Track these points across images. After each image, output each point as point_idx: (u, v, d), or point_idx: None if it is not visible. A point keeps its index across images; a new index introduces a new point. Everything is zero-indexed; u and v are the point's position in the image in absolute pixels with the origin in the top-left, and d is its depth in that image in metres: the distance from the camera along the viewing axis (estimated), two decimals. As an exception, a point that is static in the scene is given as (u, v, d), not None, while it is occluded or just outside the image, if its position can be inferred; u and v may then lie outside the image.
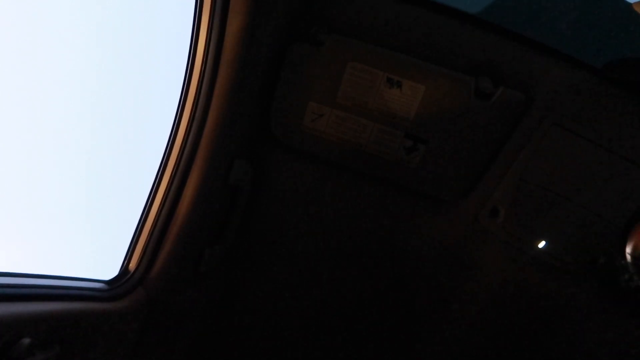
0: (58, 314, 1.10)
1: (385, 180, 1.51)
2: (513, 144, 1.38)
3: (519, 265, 1.55)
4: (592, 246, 1.44)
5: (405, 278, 1.69)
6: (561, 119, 1.33)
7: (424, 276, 1.67)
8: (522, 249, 1.50)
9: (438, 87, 1.32)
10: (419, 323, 1.77)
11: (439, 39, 1.31)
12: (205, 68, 1.26)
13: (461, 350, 1.78)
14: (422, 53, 1.32)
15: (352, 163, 1.48)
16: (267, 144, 1.50)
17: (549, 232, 1.46)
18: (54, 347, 1.08)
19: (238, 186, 1.46)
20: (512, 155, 1.40)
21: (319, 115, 1.41)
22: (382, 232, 1.62)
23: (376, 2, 1.30)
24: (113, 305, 1.28)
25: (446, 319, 1.74)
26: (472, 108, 1.33)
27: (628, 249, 1.27)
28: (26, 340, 0.98)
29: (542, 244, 1.47)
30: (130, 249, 1.40)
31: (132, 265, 1.40)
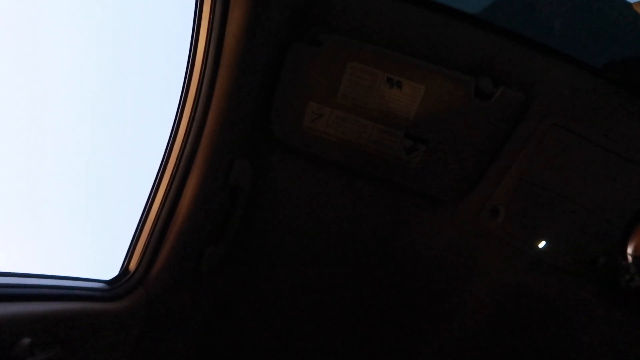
0: (58, 314, 1.10)
1: (385, 180, 1.51)
2: (513, 144, 1.38)
3: (519, 265, 1.55)
4: (592, 246, 1.44)
5: (405, 278, 1.69)
6: (561, 119, 1.33)
7: (424, 276, 1.67)
8: (522, 248, 1.50)
9: (438, 87, 1.32)
10: (419, 323, 1.77)
11: (439, 39, 1.31)
12: (205, 68, 1.26)
13: (461, 349, 1.78)
14: (422, 53, 1.32)
15: (352, 163, 1.48)
16: (267, 144, 1.50)
17: (549, 232, 1.46)
18: (54, 347, 1.08)
19: (238, 186, 1.46)
20: (512, 155, 1.40)
21: (319, 115, 1.41)
22: (382, 232, 1.62)
23: (376, 2, 1.30)
24: (113, 305, 1.28)
25: (446, 318, 1.74)
26: (472, 108, 1.33)
27: (629, 250, 1.27)
28: (26, 340, 0.98)
29: (542, 244, 1.47)
30: (130, 249, 1.40)
31: (132, 265, 1.40)
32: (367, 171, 1.49)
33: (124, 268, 1.40)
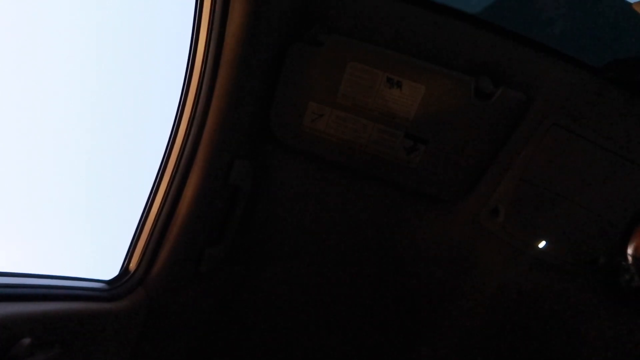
0: (58, 314, 1.10)
1: (385, 180, 1.51)
2: (513, 144, 1.38)
3: (519, 265, 1.55)
4: (592, 246, 1.44)
5: (405, 277, 1.69)
6: (561, 119, 1.33)
7: (424, 276, 1.67)
8: (523, 248, 1.50)
9: (438, 87, 1.32)
10: (419, 322, 1.77)
11: (439, 39, 1.31)
12: (205, 68, 1.26)
13: (461, 349, 1.78)
14: (422, 53, 1.32)
15: (352, 163, 1.48)
16: (267, 144, 1.50)
17: (549, 232, 1.46)
18: (54, 347, 1.08)
19: (238, 186, 1.46)
20: (512, 155, 1.40)
21: (319, 115, 1.41)
22: (382, 232, 1.62)
23: (376, 2, 1.30)
24: (113, 305, 1.28)
25: (446, 318, 1.74)
26: (472, 108, 1.33)
27: (629, 250, 1.27)
28: (26, 340, 0.98)
29: (542, 244, 1.47)
30: (130, 249, 1.40)
31: (132, 265, 1.40)
32: (367, 171, 1.49)
33: (124, 268, 1.40)
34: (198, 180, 1.35)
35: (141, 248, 1.39)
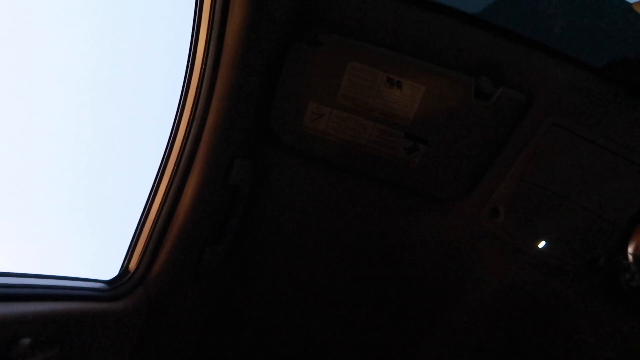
0: (58, 314, 1.10)
1: (385, 180, 1.51)
2: (513, 144, 1.38)
3: (519, 265, 1.55)
4: (592, 246, 1.44)
5: (405, 278, 1.69)
6: (561, 119, 1.33)
7: (424, 276, 1.67)
8: (522, 249, 1.50)
9: (438, 87, 1.32)
10: (419, 322, 1.77)
11: (439, 39, 1.31)
12: (205, 68, 1.26)
13: (461, 349, 1.78)
14: (422, 53, 1.32)
15: (352, 163, 1.48)
16: (267, 144, 1.50)
17: (549, 232, 1.46)
18: (54, 347, 1.08)
19: (238, 186, 1.46)
20: (512, 155, 1.40)
21: (319, 115, 1.41)
22: (382, 232, 1.62)
23: (376, 2, 1.30)
24: (113, 305, 1.28)
25: (446, 318, 1.74)
26: (472, 108, 1.33)
27: (630, 249, 1.27)
28: (26, 340, 0.98)
29: (542, 244, 1.47)
30: (130, 249, 1.40)
31: (132, 265, 1.40)
32: (367, 171, 1.49)
33: (124, 268, 1.40)
34: (198, 180, 1.35)
35: (141, 248, 1.39)
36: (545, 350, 1.68)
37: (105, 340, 1.27)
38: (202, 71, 1.26)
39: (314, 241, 1.66)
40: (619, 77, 1.30)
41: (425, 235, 1.60)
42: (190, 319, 1.63)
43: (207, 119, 1.30)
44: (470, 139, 1.38)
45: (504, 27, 1.32)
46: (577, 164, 1.37)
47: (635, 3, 1.37)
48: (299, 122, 1.42)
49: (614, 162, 1.34)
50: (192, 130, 1.31)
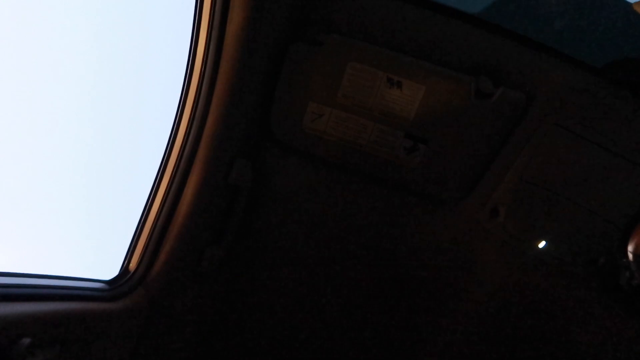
0: (58, 314, 1.10)
1: (385, 180, 1.51)
2: (513, 144, 1.38)
3: (519, 265, 1.55)
4: (592, 246, 1.44)
5: (405, 278, 1.69)
6: (561, 119, 1.33)
7: (425, 276, 1.67)
8: (522, 248, 1.50)
9: (438, 87, 1.32)
10: (419, 322, 1.77)
11: (438, 39, 1.31)
12: (205, 68, 1.26)
13: (461, 349, 1.78)
14: (422, 53, 1.32)
15: (352, 163, 1.48)
16: (267, 144, 1.50)
17: (549, 232, 1.46)
18: (54, 347, 1.09)
19: (238, 186, 1.46)
20: (512, 155, 1.40)
21: (319, 115, 1.41)
22: (382, 232, 1.62)
23: (376, 2, 1.30)
24: (113, 305, 1.28)
25: (447, 318, 1.74)
26: (472, 108, 1.33)
27: (629, 248, 1.27)
28: (26, 340, 0.98)
29: (542, 244, 1.47)
30: (130, 249, 1.41)
31: (132, 265, 1.40)
32: (367, 171, 1.49)
33: (124, 268, 1.41)
34: (198, 180, 1.35)
35: (141, 248, 1.39)
36: (545, 350, 1.69)
37: (105, 340, 1.27)
38: (202, 71, 1.26)
39: (314, 241, 1.66)
40: (619, 77, 1.30)
41: (425, 235, 1.60)
42: (190, 319, 1.63)
43: (207, 119, 1.30)
44: (470, 139, 1.38)
45: (504, 27, 1.32)
46: (577, 164, 1.37)
47: (636, 3, 1.37)
48: (299, 122, 1.42)
49: (614, 162, 1.34)
50: (192, 130, 1.31)
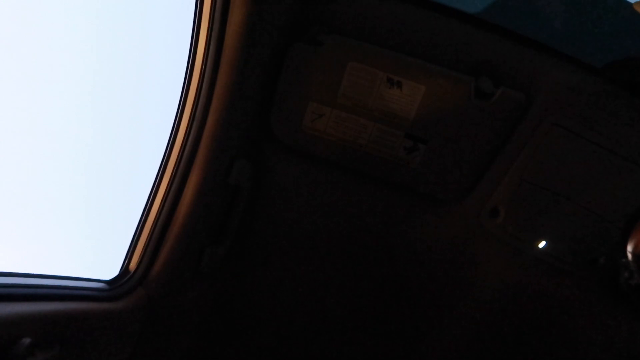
0: (58, 314, 1.10)
1: (385, 180, 1.51)
2: (513, 144, 1.38)
3: (519, 265, 1.55)
4: (592, 246, 1.44)
5: (405, 278, 1.69)
6: (561, 119, 1.33)
7: (424, 276, 1.67)
8: (522, 249, 1.50)
9: (438, 87, 1.32)
10: (419, 323, 1.77)
11: (439, 39, 1.31)
12: (205, 68, 1.26)
13: (461, 350, 1.78)
14: (422, 53, 1.32)
15: (352, 163, 1.48)
16: (267, 144, 1.50)
17: (549, 232, 1.46)
18: (54, 347, 1.09)
19: (238, 186, 1.46)
20: (512, 155, 1.40)
21: (319, 116, 1.41)
22: (382, 232, 1.62)
23: (376, 2, 1.30)
24: (113, 305, 1.28)
25: (447, 318, 1.74)
26: (472, 108, 1.33)
27: (629, 247, 1.27)
28: (26, 340, 0.98)
29: (542, 244, 1.47)
30: (131, 249, 1.40)
31: (132, 265, 1.40)
32: (367, 171, 1.49)
33: (124, 268, 1.40)
34: (198, 180, 1.35)
35: (141, 248, 1.39)
36: (545, 350, 1.69)
37: (105, 340, 1.27)
38: (202, 71, 1.26)
39: (314, 241, 1.66)
40: (619, 77, 1.30)
41: (425, 235, 1.60)
42: (190, 319, 1.63)
43: (207, 119, 1.30)
44: (470, 139, 1.38)
45: (504, 27, 1.32)
46: (577, 164, 1.37)
47: (636, 3, 1.37)
48: (299, 122, 1.42)
49: (614, 162, 1.34)
50: (192, 130, 1.31)
